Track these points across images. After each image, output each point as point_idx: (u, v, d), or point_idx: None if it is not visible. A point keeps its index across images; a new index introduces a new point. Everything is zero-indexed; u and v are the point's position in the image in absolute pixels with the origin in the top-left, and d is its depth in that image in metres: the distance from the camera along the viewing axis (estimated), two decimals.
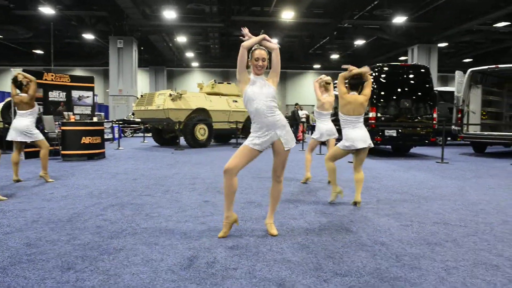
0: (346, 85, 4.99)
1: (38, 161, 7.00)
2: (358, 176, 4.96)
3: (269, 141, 3.59)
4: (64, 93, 11.60)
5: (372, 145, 5.01)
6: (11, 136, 6.36)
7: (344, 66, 5.07)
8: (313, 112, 8.17)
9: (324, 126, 6.59)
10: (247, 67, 3.58)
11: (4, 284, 2.55)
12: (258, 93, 3.50)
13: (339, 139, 5.29)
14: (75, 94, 11.95)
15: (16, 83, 6.39)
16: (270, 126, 3.54)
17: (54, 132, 10.32)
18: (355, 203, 4.93)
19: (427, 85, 11.07)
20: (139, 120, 18.69)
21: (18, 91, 6.41)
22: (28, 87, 6.39)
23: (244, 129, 15.98)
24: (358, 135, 4.88)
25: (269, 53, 3.53)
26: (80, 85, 12.10)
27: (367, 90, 4.92)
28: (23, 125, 6.33)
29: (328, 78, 6.56)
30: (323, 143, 7.12)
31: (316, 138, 6.67)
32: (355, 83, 4.96)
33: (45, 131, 10.03)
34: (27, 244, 3.33)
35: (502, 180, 7.05)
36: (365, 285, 2.57)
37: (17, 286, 2.52)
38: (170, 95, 13.34)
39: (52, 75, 11.30)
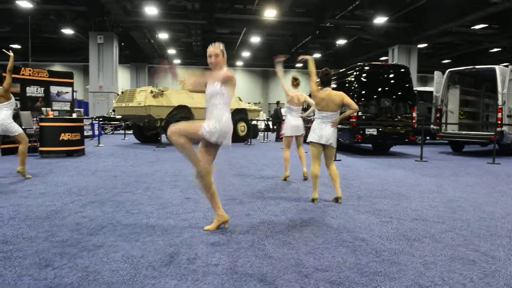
0: (318, 82, 5.05)
1: (15, 158, 6.83)
2: (331, 172, 5.04)
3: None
4: (42, 89, 11.35)
5: (334, 146, 5.05)
6: None
7: (300, 57, 5.27)
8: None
9: (292, 121, 6.65)
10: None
11: None
12: (209, 90, 3.62)
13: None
14: (54, 89, 11.70)
15: None
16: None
17: (32, 128, 10.10)
18: (336, 199, 4.98)
19: (407, 85, 11.25)
20: (119, 117, 18.49)
21: None
22: (3, 79, 6.25)
23: None
24: (322, 132, 4.94)
25: (222, 51, 3.64)
26: (59, 81, 11.86)
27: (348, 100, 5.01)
28: (0, 118, 6.18)
29: (278, 61, 6.64)
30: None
31: (286, 134, 6.73)
32: (326, 80, 5.00)
33: (23, 127, 9.79)
34: (3, 241, 3.25)
35: (479, 178, 7.22)
36: (345, 280, 2.59)
37: None
38: (152, 91, 13.20)
39: (30, 70, 11.03)
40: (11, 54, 6.31)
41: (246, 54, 34.18)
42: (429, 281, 2.60)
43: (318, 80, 5.08)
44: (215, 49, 3.60)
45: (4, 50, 6.41)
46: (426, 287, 2.51)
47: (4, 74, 6.28)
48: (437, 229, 3.82)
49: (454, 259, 3.02)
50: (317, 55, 33.94)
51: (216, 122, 3.49)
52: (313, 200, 4.99)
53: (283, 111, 19.73)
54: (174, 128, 3.46)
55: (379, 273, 2.72)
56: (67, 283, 2.48)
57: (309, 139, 5.05)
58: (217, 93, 3.55)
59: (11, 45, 29.70)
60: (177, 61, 37.14)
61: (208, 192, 3.61)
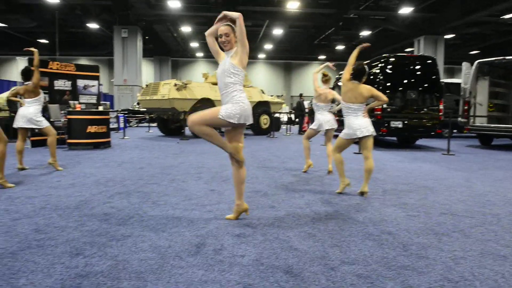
0: (351, 72, 4.97)
1: (45, 150, 7.02)
2: (367, 165, 4.93)
3: None
4: (70, 82, 11.61)
5: (375, 133, 4.96)
6: (17, 123, 6.39)
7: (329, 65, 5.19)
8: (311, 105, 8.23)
9: (323, 117, 6.59)
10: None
11: (14, 268, 2.57)
12: (219, 71, 3.56)
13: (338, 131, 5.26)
14: (81, 83, 11.96)
15: (24, 72, 6.44)
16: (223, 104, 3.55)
17: (60, 121, 10.35)
18: (362, 193, 4.92)
19: (433, 77, 10.99)
20: (144, 109, 18.75)
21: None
22: (32, 74, 6.40)
23: None
24: (359, 124, 4.86)
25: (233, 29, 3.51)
26: (85, 74, 12.10)
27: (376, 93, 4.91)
28: (29, 112, 6.35)
29: (327, 65, 6.59)
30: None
31: (314, 129, 6.68)
32: (358, 73, 4.90)
33: (51, 120, 10.06)
34: (36, 230, 3.36)
35: (508, 172, 7.02)
36: (372, 273, 2.57)
37: (27, 270, 2.54)
38: (175, 84, 13.32)
39: (57, 64, 11.29)
40: (35, 50, 6.43)
41: (268, 46, 34.07)
42: (458, 276, 2.55)
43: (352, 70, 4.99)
44: (226, 28, 3.48)
45: (27, 48, 6.54)
46: (455, 282, 2.47)
47: (32, 69, 6.44)
48: (466, 224, 3.74)
49: (484, 254, 2.95)
50: (341, 47, 33.52)
51: (233, 105, 3.45)
52: (344, 188, 4.98)
53: (305, 103, 19.65)
54: (193, 117, 3.44)
55: (407, 267, 2.68)
56: (97, 271, 2.55)
57: (347, 136, 4.94)
58: (229, 71, 3.47)
59: (38, 40, 30.51)
60: (200, 54, 37.34)
61: (212, 137, 3.53)
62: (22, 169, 6.53)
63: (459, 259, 2.85)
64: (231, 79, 3.48)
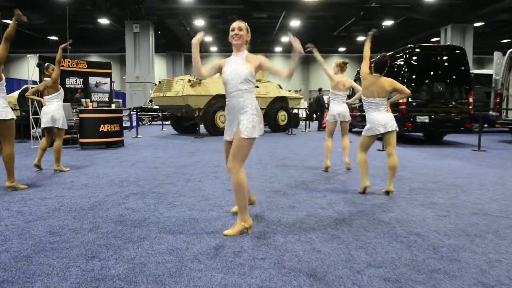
0: (371, 65, 4.92)
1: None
2: (391, 162, 4.87)
3: (233, 130, 3.44)
4: (81, 80, 11.79)
5: (397, 129, 4.89)
6: (44, 123, 6.58)
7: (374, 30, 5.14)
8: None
9: (337, 108, 6.57)
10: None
11: (29, 272, 2.62)
12: (231, 72, 3.40)
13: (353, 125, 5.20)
14: (92, 80, 12.13)
15: (40, 68, 6.60)
16: (235, 112, 3.39)
17: (72, 120, 10.52)
18: (387, 192, 4.87)
19: (462, 68, 10.79)
20: (157, 107, 18.91)
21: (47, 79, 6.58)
22: (50, 71, 6.56)
23: (265, 116, 16.02)
24: (381, 119, 4.80)
25: (247, 28, 3.46)
26: (97, 71, 12.28)
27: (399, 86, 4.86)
28: (52, 109, 6.53)
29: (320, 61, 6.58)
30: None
31: (330, 121, 6.65)
32: (381, 65, 4.85)
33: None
34: (50, 232, 3.42)
35: None
36: (400, 277, 2.54)
37: (42, 274, 2.59)
38: (189, 81, 13.39)
39: (69, 61, 11.48)
40: (63, 45, 6.61)
41: (285, 39, 33.91)
42: (494, 280, 2.50)
43: (372, 64, 4.95)
44: (239, 22, 3.41)
45: (60, 47, 6.69)
46: (491, 287, 2.42)
47: (52, 66, 6.61)
48: (501, 224, 3.66)
49: None
50: (362, 38, 33.16)
51: (252, 116, 3.33)
52: (364, 189, 4.92)
53: (325, 98, 19.53)
54: (231, 164, 3.30)
55: (438, 271, 2.64)
56: (114, 274, 2.58)
57: (370, 133, 4.91)
58: (245, 77, 3.33)
59: (48, 37, 31.04)
60: (213, 48, 37.44)
61: (244, 193, 3.35)
62: (38, 166, 6.67)
63: (494, 262, 2.79)
64: (246, 86, 3.36)
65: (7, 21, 25.32)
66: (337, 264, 2.75)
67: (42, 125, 6.66)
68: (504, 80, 11.48)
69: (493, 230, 3.50)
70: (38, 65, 6.68)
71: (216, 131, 14.05)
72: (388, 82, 4.82)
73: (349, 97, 7.65)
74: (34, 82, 11.24)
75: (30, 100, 10.07)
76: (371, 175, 6.00)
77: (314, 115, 22.49)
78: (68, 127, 10.22)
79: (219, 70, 3.57)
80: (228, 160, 3.36)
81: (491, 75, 12.54)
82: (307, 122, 19.55)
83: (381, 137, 5.05)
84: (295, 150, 9.71)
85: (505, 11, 22.60)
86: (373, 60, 4.93)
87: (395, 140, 4.90)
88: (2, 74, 5.12)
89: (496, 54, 11.75)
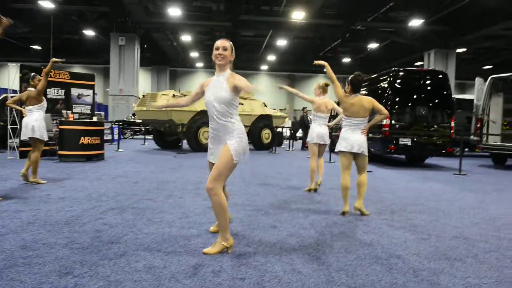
0: (344, 89, 5.02)
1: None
2: (359, 179, 4.99)
3: (217, 154, 3.41)
4: (63, 91, 11.67)
5: (366, 154, 4.98)
6: (24, 135, 6.46)
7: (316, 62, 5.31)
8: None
9: (317, 129, 6.60)
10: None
11: None
12: (211, 95, 3.39)
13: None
14: (75, 92, 12.02)
15: (24, 77, 6.54)
16: (220, 135, 3.38)
17: (52, 131, 10.36)
18: (356, 209, 4.95)
19: (445, 92, 11.02)
20: (139, 121, 18.79)
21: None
22: (36, 81, 6.47)
23: (249, 134, 16.06)
24: (355, 139, 4.88)
25: (231, 47, 3.46)
26: (80, 83, 12.18)
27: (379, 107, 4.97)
28: (33, 119, 6.42)
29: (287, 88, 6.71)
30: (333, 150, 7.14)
31: (309, 142, 6.69)
32: (357, 84, 4.96)
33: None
34: (23, 247, 3.33)
35: None
36: None
37: None
38: (174, 95, 13.38)
39: (51, 71, 11.34)
40: (55, 59, 6.54)
41: (271, 58, 34.29)
42: None
43: (349, 84, 5.02)
44: (224, 42, 3.40)
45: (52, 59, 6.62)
46: None
47: (38, 77, 6.53)
48: (480, 249, 3.70)
49: (500, 282, 2.91)
50: (347, 60, 33.75)
51: (238, 139, 3.31)
52: (343, 213, 4.94)
53: (310, 117, 19.67)
54: (211, 184, 3.23)
55: None
56: None
57: (338, 148, 4.99)
58: (228, 100, 3.30)
59: (31, 46, 30.76)
60: (200, 64, 37.58)
61: (225, 213, 3.32)
62: (25, 176, 6.49)
63: (474, 286, 2.82)
64: (227, 109, 3.32)
65: None
66: (318, 285, 2.74)
67: (22, 137, 6.55)
68: (485, 105, 11.76)
69: (472, 254, 3.54)
70: (24, 75, 6.60)
71: (199, 147, 13.97)
72: (367, 101, 4.90)
73: (332, 118, 7.73)
74: (14, 91, 11.07)
75: (9, 109, 9.90)
76: (354, 197, 6.01)
77: (298, 134, 22.62)
78: (47, 138, 10.11)
79: (202, 94, 3.61)
80: (209, 180, 3.27)
81: (472, 100, 12.84)
82: (291, 141, 19.66)
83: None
84: (279, 169, 9.73)
85: (488, 38, 23.33)
86: (347, 80, 5.03)
87: (366, 164, 5.04)
88: None
89: (478, 80, 12.06)
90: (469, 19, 20.85)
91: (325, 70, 5.30)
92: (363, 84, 4.98)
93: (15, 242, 3.45)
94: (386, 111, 4.93)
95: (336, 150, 5.06)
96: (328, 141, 6.70)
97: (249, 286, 2.69)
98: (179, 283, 2.70)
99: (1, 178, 6.92)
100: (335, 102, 7.33)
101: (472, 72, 30.34)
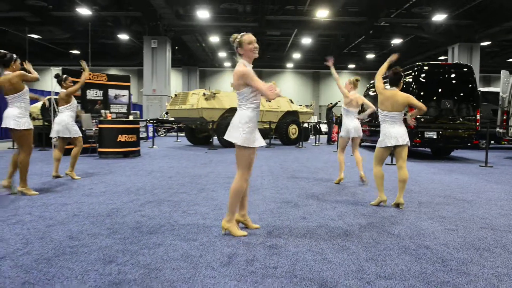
0: (385, 80, 4.93)
1: (80, 158, 7.13)
2: (401, 175, 4.82)
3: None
4: (101, 92, 11.95)
5: (409, 143, 4.86)
6: (53, 132, 6.63)
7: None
8: (341, 114, 8.16)
9: (351, 123, 6.55)
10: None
11: (49, 274, 2.64)
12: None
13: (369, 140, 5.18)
14: (112, 92, 12.28)
15: (57, 79, 6.75)
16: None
17: (92, 130, 10.64)
18: (397, 205, 4.83)
19: (470, 85, 10.71)
20: (172, 119, 19.06)
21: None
22: (68, 83, 6.66)
23: (276, 129, 16.06)
24: (394, 132, 4.79)
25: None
26: (116, 84, 12.44)
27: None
28: (62, 120, 6.58)
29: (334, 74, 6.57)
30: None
31: (343, 136, 6.64)
32: (395, 79, 4.89)
33: (83, 128, 10.35)
34: (70, 237, 3.44)
35: None
36: None
37: (61, 276, 2.60)
38: (204, 94, 13.50)
39: (90, 74, 11.63)
40: (86, 67, 6.78)
41: (296, 56, 34.09)
42: None
43: (387, 78, 4.96)
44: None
45: (82, 61, 6.85)
46: None
47: (70, 79, 6.73)
48: (509, 239, 3.59)
49: None
50: (371, 56, 33.21)
51: (242, 127, 3.49)
52: (379, 203, 4.90)
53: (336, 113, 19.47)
54: (236, 169, 3.57)
55: (447, 283, 2.60)
56: (130, 279, 2.58)
57: (382, 144, 4.87)
58: (238, 92, 3.59)
59: (70, 51, 31.59)
60: (227, 64, 37.74)
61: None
62: (57, 176, 6.72)
63: (503, 276, 2.74)
64: (239, 102, 3.65)
65: (33, 35, 25.89)
66: (348, 274, 2.72)
67: (51, 134, 6.74)
68: (511, 98, 11.36)
69: (501, 244, 3.44)
70: (55, 76, 6.81)
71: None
72: (403, 97, 4.81)
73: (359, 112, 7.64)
74: (57, 94, 11.41)
75: (52, 110, 10.21)
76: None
77: (323, 129, 22.40)
78: (87, 137, 10.39)
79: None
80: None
81: (497, 93, 12.43)
82: (317, 136, 19.53)
83: (392, 152, 5.02)
84: (306, 163, 9.68)
85: None
86: (386, 75, 4.95)
87: (406, 154, 4.87)
88: (25, 85, 5.22)
89: (503, 73, 11.65)
90: (493, 12, 20.14)
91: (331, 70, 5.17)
92: (396, 78, 4.88)
93: (63, 232, 3.57)
94: (424, 107, 4.83)
95: (380, 147, 4.95)
96: (361, 134, 6.67)
97: (281, 274, 2.70)
98: (215, 271, 2.74)
99: (47, 173, 7.16)
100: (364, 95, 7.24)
101: (497, 65, 29.38)
